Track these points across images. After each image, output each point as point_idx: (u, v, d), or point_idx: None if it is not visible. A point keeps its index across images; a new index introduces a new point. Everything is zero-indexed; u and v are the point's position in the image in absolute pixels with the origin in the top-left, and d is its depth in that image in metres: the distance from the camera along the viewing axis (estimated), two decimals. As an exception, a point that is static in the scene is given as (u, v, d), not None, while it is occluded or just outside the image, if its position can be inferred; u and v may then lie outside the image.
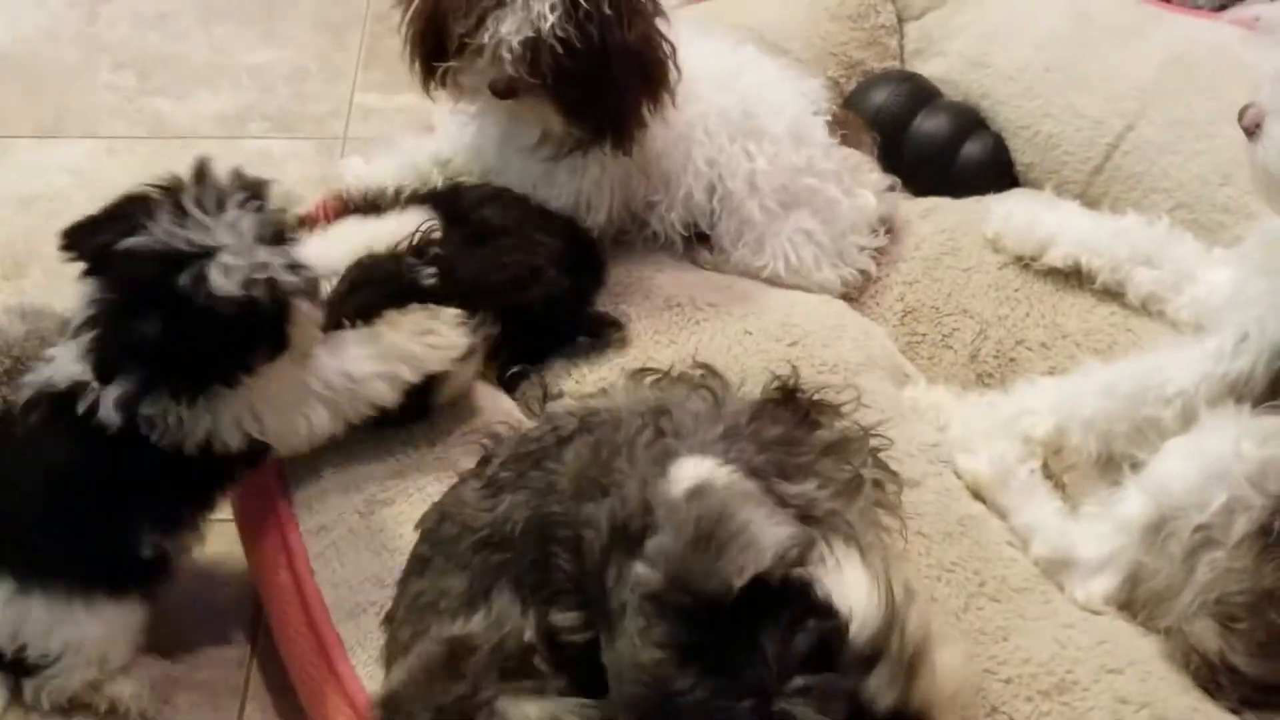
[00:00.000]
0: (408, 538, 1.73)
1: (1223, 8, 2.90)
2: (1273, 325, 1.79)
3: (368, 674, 1.71)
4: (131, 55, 3.17)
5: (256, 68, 3.15)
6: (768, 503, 1.38)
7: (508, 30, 1.97)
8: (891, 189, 2.33)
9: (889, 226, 2.31)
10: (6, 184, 2.81)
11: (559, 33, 1.96)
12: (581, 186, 2.16)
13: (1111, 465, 1.88)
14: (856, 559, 1.34)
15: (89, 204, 2.72)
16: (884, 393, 2.00)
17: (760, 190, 2.19)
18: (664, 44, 2.06)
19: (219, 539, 2.09)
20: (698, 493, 1.34)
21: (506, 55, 1.99)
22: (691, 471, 1.36)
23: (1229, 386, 1.81)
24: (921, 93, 2.51)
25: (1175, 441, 1.78)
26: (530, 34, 1.96)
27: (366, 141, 2.89)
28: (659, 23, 2.06)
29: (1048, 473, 1.92)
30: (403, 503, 1.84)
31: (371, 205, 2.13)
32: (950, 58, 2.56)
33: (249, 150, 2.91)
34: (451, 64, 2.06)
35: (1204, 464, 1.70)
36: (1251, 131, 1.75)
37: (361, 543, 1.82)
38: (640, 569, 1.31)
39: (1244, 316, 1.82)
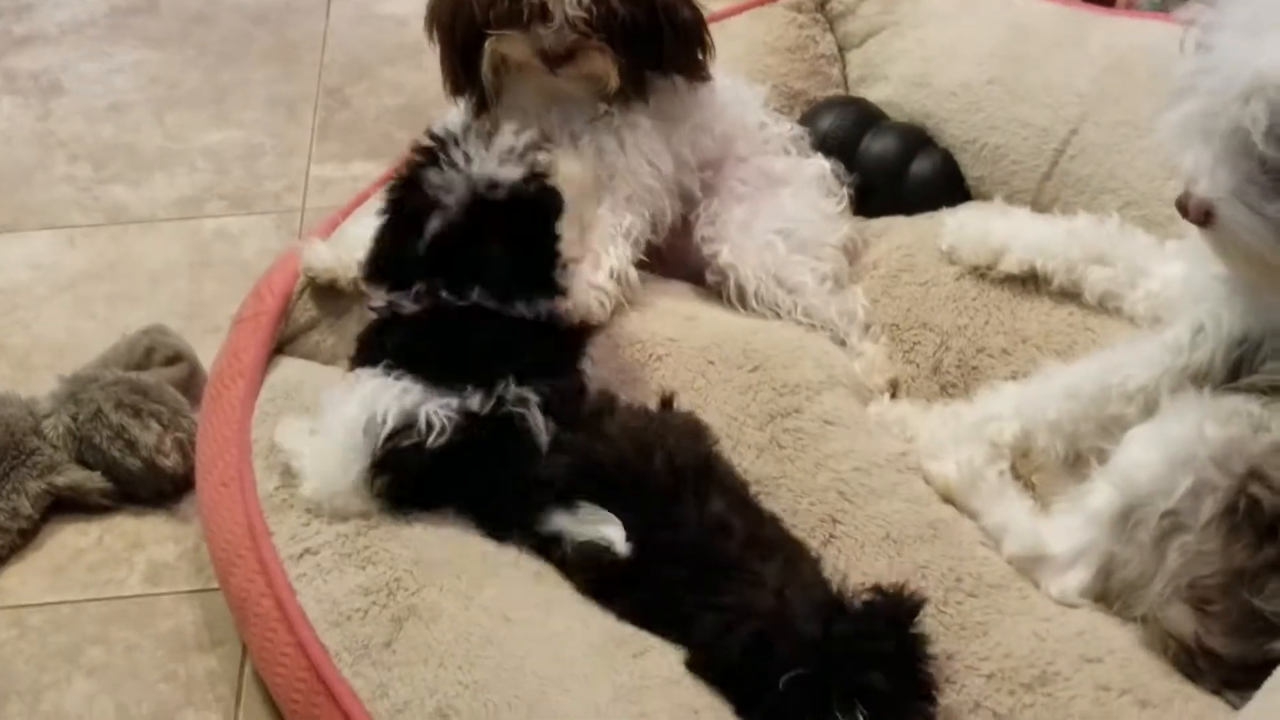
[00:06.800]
0: (395, 552, 1.77)
1: (1162, 9, 2.93)
2: (1227, 317, 1.80)
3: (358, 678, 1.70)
4: (86, 148, 3.16)
5: (211, 150, 3.15)
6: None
7: None
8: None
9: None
10: (-33, 283, 2.80)
11: None
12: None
13: (1079, 463, 1.89)
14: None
15: (51, 295, 2.76)
16: (848, 410, 2.01)
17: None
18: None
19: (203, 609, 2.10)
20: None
21: (573, 10, 1.99)
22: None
23: (1190, 378, 1.82)
24: (867, 116, 2.52)
25: (1138, 429, 1.79)
26: None
27: (324, 211, 2.90)
28: None
29: (1016, 474, 1.92)
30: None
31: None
32: (893, 81, 2.58)
33: (208, 229, 2.91)
34: (501, 34, 2.04)
35: (1168, 450, 1.71)
36: (1203, 222, 1.71)
37: (348, 561, 1.80)
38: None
39: (1198, 310, 1.83)
